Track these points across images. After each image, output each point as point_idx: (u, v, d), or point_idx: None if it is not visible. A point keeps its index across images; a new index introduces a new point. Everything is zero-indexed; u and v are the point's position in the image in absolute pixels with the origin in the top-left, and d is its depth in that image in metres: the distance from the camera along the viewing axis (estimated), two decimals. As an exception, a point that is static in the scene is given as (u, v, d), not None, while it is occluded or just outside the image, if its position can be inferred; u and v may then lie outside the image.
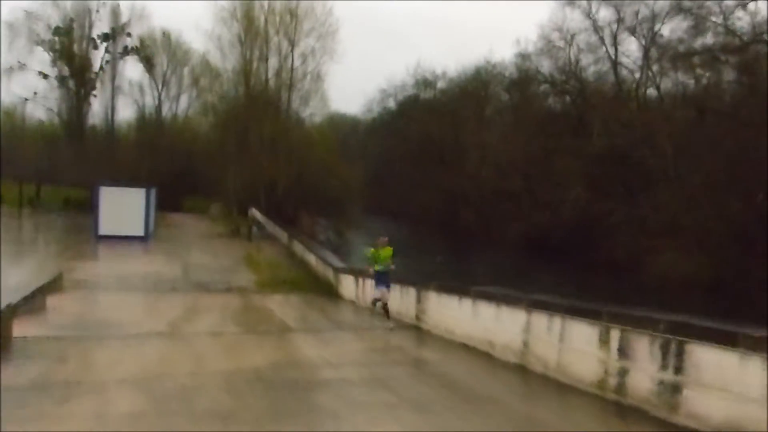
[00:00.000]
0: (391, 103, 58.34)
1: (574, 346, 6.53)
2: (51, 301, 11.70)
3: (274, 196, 40.34)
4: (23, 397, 5.29)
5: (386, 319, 10.98)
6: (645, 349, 5.53)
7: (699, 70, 36.39)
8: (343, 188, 42.73)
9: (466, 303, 9.07)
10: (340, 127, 64.35)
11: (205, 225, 34.79)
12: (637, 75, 41.79)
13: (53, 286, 13.34)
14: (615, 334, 5.92)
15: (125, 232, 23.47)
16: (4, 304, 7.88)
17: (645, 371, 5.51)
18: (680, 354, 5.13)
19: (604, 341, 6.07)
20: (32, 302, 10.72)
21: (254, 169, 38.91)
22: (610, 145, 36.76)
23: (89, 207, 27.21)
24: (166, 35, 53.37)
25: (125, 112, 62.17)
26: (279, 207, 39.34)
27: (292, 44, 39.87)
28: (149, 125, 53.90)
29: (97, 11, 50.50)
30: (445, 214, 46.71)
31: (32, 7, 48.52)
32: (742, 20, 31.60)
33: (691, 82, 37.92)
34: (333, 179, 41.64)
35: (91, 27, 51.07)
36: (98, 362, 7.00)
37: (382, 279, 11.11)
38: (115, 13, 51.25)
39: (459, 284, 9.70)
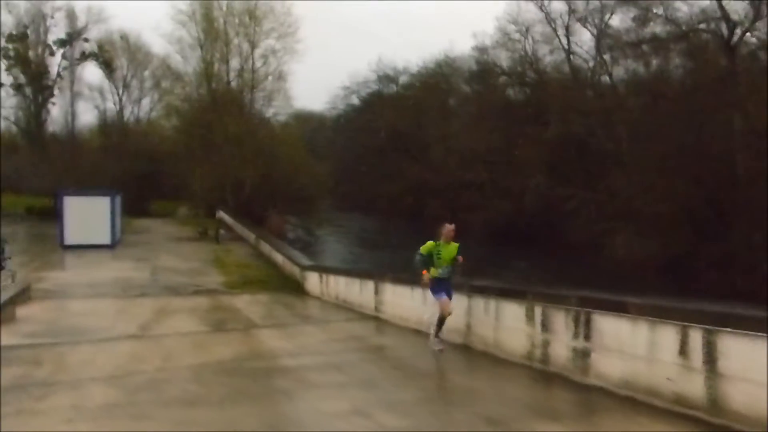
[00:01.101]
0: (355, 100, 58.87)
1: (507, 324, 7.31)
2: (21, 311, 12.01)
3: (242, 196, 40.57)
4: (2, 396, 5.79)
5: (435, 336, 7.71)
6: (561, 322, 6.32)
7: (648, 58, 37.80)
8: (311, 186, 43.16)
9: (417, 291, 9.79)
10: (307, 124, 64.51)
11: (172, 228, 34.85)
12: (591, 64, 43.10)
13: (22, 296, 13.62)
14: (538, 311, 6.71)
15: (91, 240, 23.56)
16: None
17: (562, 341, 6.31)
18: (587, 324, 5.93)
19: (530, 318, 6.85)
20: (2, 312, 11.07)
21: (220, 170, 39.10)
22: (567, 132, 37.97)
23: (53, 215, 27.12)
24: (124, 38, 52.83)
25: (86, 117, 61.15)
26: (247, 207, 39.56)
27: (253, 45, 40.11)
28: (112, 130, 53.38)
29: (52, 17, 49.77)
30: (413, 206, 47.52)
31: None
32: (680, 11, 33.03)
33: (642, 69, 39.30)
34: (300, 177, 42.00)
35: (46, 32, 50.33)
36: (72, 364, 7.50)
37: (443, 286, 7.74)
38: (71, 17, 50.57)
39: (411, 275, 10.40)
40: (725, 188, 28.71)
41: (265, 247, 24.58)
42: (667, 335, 4.97)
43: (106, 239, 24.17)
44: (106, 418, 5.03)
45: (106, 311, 12.84)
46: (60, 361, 7.68)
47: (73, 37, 51.06)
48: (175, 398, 5.67)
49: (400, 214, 49.46)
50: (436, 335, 7.63)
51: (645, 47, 36.71)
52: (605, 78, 42.33)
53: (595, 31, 41.42)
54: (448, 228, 7.98)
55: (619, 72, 41.46)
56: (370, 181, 54.16)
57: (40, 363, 7.42)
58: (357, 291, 12.67)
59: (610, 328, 5.66)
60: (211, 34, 39.34)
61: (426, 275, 7.69)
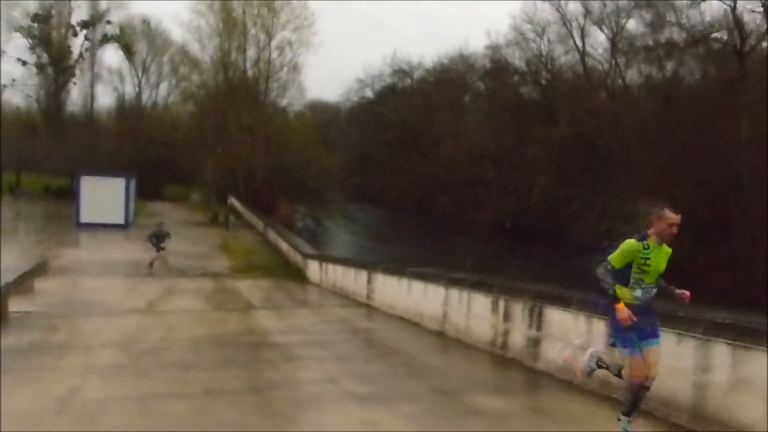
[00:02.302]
0: (369, 93, 59.47)
1: (476, 313, 8.04)
2: (38, 284, 12.96)
3: (253, 184, 41.43)
4: (25, 355, 6.66)
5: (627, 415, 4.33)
6: (519, 313, 7.05)
7: (662, 62, 38.06)
8: (322, 176, 43.90)
9: (404, 282, 10.55)
10: (322, 115, 65.27)
11: (184, 213, 35.87)
12: (606, 66, 43.41)
13: (39, 270, 14.57)
14: (501, 303, 7.44)
15: (106, 220, 24.55)
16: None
17: (519, 330, 7.04)
18: (539, 315, 6.66)
19: (495, 309, 7.59)
20: (21, 285, 11.98)
21: (233, 158, 39.98)
22: (576, 133, 38.42)
23: (69, 195, 28.17)
24: (145, 23, 53.78)
25: (105, 100, 62.47)
26: (257, 195, 40.45)
27: (270, 36, 40.85)
28: (129, 113, 54.40)
29: (76, -1, 50.77)
30: (421, 200, 48.23)
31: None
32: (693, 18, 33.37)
33: (656, 73, 39.53)
34: (311, 168, 42.76)
35: (70, 14, 51.38)
36: (85, 331, 8.37)
37: (646, 319, 4.30)
38: (95, -1, 51.54)
39: (399, 266, 11.17)
40: (730, 192, 29.09)
41: (272, 235, 25.45)
42: (600, 327, 5.69)
43: (120, 219, 25.15)
44: (113, 375, 5.85)
45: (116, 288, 13.75)
46: (74, 328, 8.55)
47: (95, 19, 52.03)
48: (173, 362, 6.49)
49: (409, 207, 50.22)
50: (629, 413, 4.27)
51: (659, 51, 37.03)
52: (618, 81, 42.74)
53: (610, 34, 41.74)
54: (670, 218, 4.40)
55: (632, 75, 41.86)
56: (380, 174, 54.89)
57: (56, 329, 8.29)
58: (352, 279, 13.45)
59: (557, 319, 6.39)
60: (228, 23, 40.14)
61: (624, 310, 4.15)
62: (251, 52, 42.17)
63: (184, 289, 14.02)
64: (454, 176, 45.89)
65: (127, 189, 25.73)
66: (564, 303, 6.30)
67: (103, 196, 24.58)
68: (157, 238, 17.22)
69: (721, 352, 4.54)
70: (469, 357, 7.35)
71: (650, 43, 37.86)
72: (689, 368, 4.74)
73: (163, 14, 67.14)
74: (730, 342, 4.48)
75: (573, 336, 6.04)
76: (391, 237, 42.00)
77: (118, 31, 52.85)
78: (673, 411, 4.83)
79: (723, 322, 4.64)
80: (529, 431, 4.58)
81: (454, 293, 8.69)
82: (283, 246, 22.63)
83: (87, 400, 4.91)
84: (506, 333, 7.31)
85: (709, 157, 30.03)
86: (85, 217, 24.72)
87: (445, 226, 43.74)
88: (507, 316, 7.32)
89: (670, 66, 38.18)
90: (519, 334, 7.04)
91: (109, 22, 52.21)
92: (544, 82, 45.81)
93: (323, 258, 16.53)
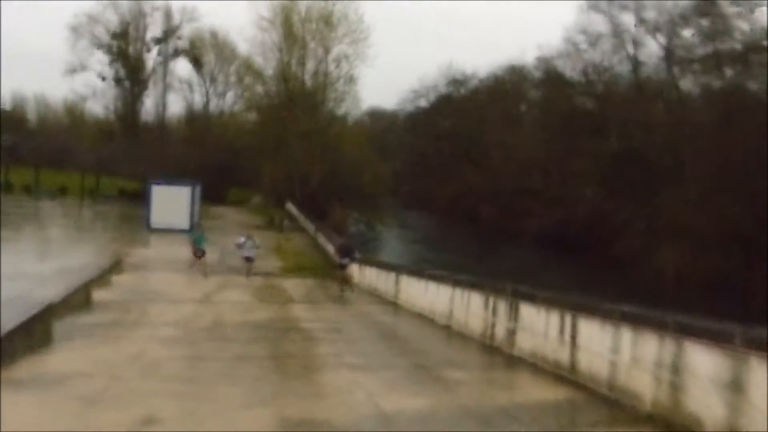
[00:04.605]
0: (423, 102, 61.01)
1: (473, 310, 9.37)
2: (115, 278, 15.12)
3: (309, 189, 43.64)
4: (107, 327, 8.51)
5: None
6: (503, 309, 8.34)
7: (722, 70, 37.46)
8: (375, 183, 45.60)
9: (423, 283, 11.96)
10: (380, 122, 67.32)
11: (244, 216, 38.34)
12: (661, 76, 43.04)
13: (115, 267, 16.84)
14: (491, 301, 8.75)
15: (172, 224, 27.03)
16: (87, 279, 11.27)
17: (502, 323, 8.34)
18: (516, 310, 7.94)
19: (486, 306, 8.90)
20: (102, 278, 14.14)
21: (291, 164, 42.33)
22: (627, 144, 38.51)
23: (141, 197, 30.97)
24: (213, 35, 57.26)
25: (175, 108, 66.71)
26: (313, 200, 42.53)
27: (327, 50, 43.07)
28: (197, 121, 58.03)
29: (151, 15, 54.94)
30: (470, 208, 49.21)
31: (93, 10, 53.12)
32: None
33: (716, 82, 38.79)
34: (364, 174, 44.57)
35: (145, 29, 55.61)
36: (151, 313, 10.24)
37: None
38: (168, 15, 55.51)
39: (419, 269, 12.58)
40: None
41: (322, 239, 27.28)
42: (552, 318, 6.95)
43: (185, 224, 27.58)
44: (171, 343, 7.59)
45: (178, 282, 15.78)
46: (142, 311, 10.44)
47: (168, 34, 56.04)
48: (217, 337, 8.20)
49: (458, 215, 51.31)
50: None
51: (717, 60, 36.60)
52: (674, 92, 42.34)
53: (664, 43, 41.39)
54: None
55: (688, 85, 41.33)
56: (432, 181, 56.19)
57: (129, 311, 10.20)
58: (383, 280, 14.97)
59: (529, 313, 7.65)
60: (289, 38, 42.65)
61: None
62: (310, 65, 44.66)
63: (236, 284, 15.89)
64: (502, 186, 46.64)
65: (192, 196, 28.18)
66: (533, 298, 7.58)
67: (170, 203, 27.08)
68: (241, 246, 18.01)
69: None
70: (460, 345, 8.71)
71: (707, 51, 37.43)
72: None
73: (230, 27, 70.88)
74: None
75: (537, 328, 7.33)
76: (439, 244, 43.28)
77: (188, 45, 56.68)
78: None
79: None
80: (474, 395, 5.92)
81: (458, 293, 10.04)
82: (330, 249, 24.36)
83: (151, 356, 6.63)
84: (493, 326, 8.62)
85: (763, 172, 29.70)
86: (155, 220, 27.29)
87: (492, 235, 44.56)
88: (495, 312, 8.62)
89: (730, 75, 37.56)
90: (502, 326, 8.33)
91: (179, 37, 56.08)
92: (596, 93, 45.90)
93: (362, 261, 18.12)
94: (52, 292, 8.74)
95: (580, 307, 6.56)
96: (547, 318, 7.16)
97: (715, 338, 4.75)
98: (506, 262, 35.00)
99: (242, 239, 18.37)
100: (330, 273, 20.84)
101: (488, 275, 12.05)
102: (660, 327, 5.33)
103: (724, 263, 28.97)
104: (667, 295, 26.31)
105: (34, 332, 6.43)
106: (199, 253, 17.62)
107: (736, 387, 4.49)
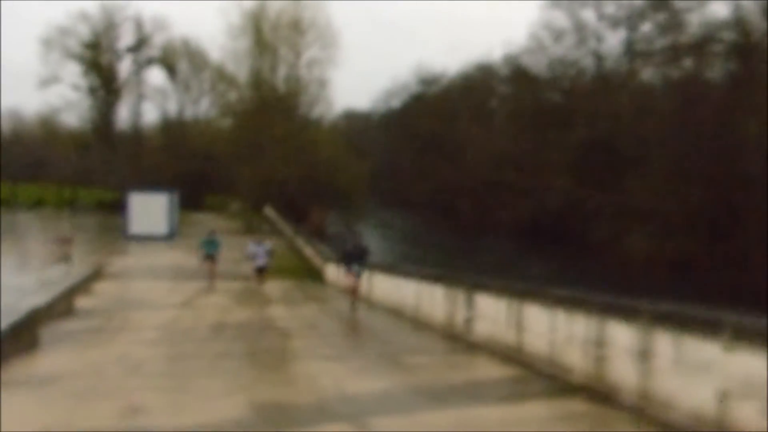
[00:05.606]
0: (396, 103, 61.89)
1: (435, 302, 10.07)
2: (95, 286, 15.57)
3: (286, 193, 44.07)
4: (89, 333, 9.04)
5: None
6: (461, 300, 9.04)
7: (680, 61, 38.83)
8: (351, 183, 46.23)
9: (392, 279, 12.62)
10: (355, 123, 67.91)
11: (222, 222, 38.65)
12: (623, 68, 44.39)
13: (96, 275, 17.26)
14: (450, 293, 9.45)
15: (151, 231, 27.45)
16: (69, 288, 11.74)
17: (460, 313, 9.04)
18: (472, 300, 8.64)
19: (446, 297, 9.60)
20: (84, 286, 14.59)
21: (267, 169, 42.72)
22: (593, 135, 39.67)
23: (119, 208, 31.28)
24: (185, 43, 57.33)
25: (151, 116, 66.56)
26: (291, 203, 43.02)
27: (298, 55, 43.58)
28: (173, 128, 58.04)
29: (122, 25, 54.88)
30: (447, 204, 50.08)
31: (65, 22, 52.94)
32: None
33: (674, 72, 40.16)
34: (341, 175, 45.15)
35: (116, 39, 55.52)
36: (133, 319, 10.77)
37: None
38: (139, 24, 55.48)
39: (388, 265, 13.25)
40: (739, 190, 29.93)
41: (299, 241, 27.85)
42: (501, 305, 7.66)
43: (164, 230, 28.02)
44: (154, 345, 8.16)
45: (159, 289, 16.26)
46: (125, 318, 10.96)
47: (140, 43, 56.02)
48: (197, 338, 8.79)
49: (435, 211, 52.18)
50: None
51: (674, 52, 37.94)
52: (635, 83, 43.64)
53: (625, 37, 42.74)
54: None
55: (650, 76, 42.72)
56: (409, 179, 57.00)
57: (112, 318, 10.73)
58: (365, 280, 15.58)
59: (484, 303, 8.36)
60: (260, 44, 43.06)
61: None
62: (282, 70, 45.15)
63: (216, 289, 16.41)
64: (476, 181, 47.58)
65: (170, 203, 28.59)
66: (487, 288, 8.29)
67: (149, 211, 27.51)
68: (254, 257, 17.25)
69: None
70: (425, 335, 9.40)
71: (666, 43, 38.83)
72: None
73: (202, 35, 70.91)
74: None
75: (491, 314, 8.04)
76: (419, 240, 44.10)
77: (161, 53, 56.71)
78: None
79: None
80: (430, 376, 6.60)
81: (424, 287, 10.73)
82: (308, 250, 24.98)
83: (135, 357, 7.20)
84: (452, 315, 9.32)
85: (722, 156, 30.95)
86: (134, 229, 27.67)
87: (468, 228, 45.48)
88: (454, 303, 9.32)
89: (688, 66, 38.91)
90: (460, 315, 9.04)
91: (150, 46, 56.07)
92: (562, 86, 47.08)
93: (337, 261, 18.72)
94: (36, 301, 9.23)
95: (524, 294, 7.29)
96: (497, 305, 7.88)
97: (630, 314, 5.48)
98: (486, 255, 35.95)
99: (254, 247, 16.88)
100: (307, 274, 21.50)
101: (470, 270, 12.70)
102: (587, 307, 6.06)
103: (688, 245, 30.20)
104: (636, 278, 27.38)
105: (22, 337, 6.97)
106: (209, 259, 17.35)
107: (644, 356, 5.22)
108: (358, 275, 12.35)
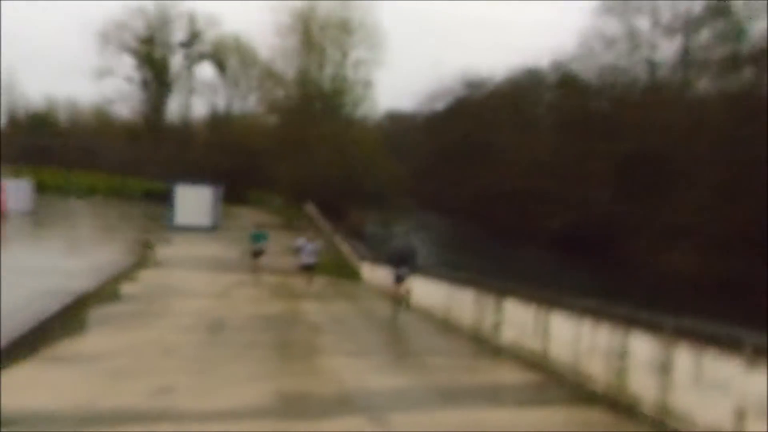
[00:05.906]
0: (441, 105, 61.82)
1: (465, 305, 10.13)
2: (141, 274, 16.17)
3: (327, 191, 44.59)
4: (131, 317, 9.46)
5: None
6: (490, 305, 9.09)
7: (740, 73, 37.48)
8: (391, 184, 46.41)
9: (424, 280, 12.73)
10: (399, 124, 68.15)
11: (264, 217, 39.39)
12: (677, 77, 43.20)
13: (141, 263, 17.93)
14: (479, 297, 9.50)
15: (196, 222, 28.27)
16: (116, 274, 12.30)
17: (489, 318, 9.09)
18: (501, 306, 8.69)
19: (475, 302, 9.66)
20: (129, 274, 15.20)
21: (310, 166, 43.34)
22: (641, 147, 38.75)
23: (166, 198, 32.26)
24: (236, 40, 58.66)
25: (200, 110, 68.37)
26: (331, 201, 43.53)
27: (345, 55, 44.07)
28: (220, 123, 59.52)
29: (176, 20, 56.67)
30: (484, 209, 49.76)
31: (121, 16, 55.03)
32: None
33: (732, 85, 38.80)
34: (381, 175, 45.40)
35: (170, 34, 57.31)
36: (173, 305, 11.19)
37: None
38: (192, 20, 57.16)
39: (426, 269, 13.37)
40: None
41: (337, 238, 28.20)
42: (529, 312, 7.68)
43: (207, 222, 28.83)
44: (188, 331, 8.52)
45: (200, 278, 16.72)
46: (165, 304, 11.39)
47: (193, 39, 57.67)
48: (230, 327, 9.11)
49: (473, 216, 51.92)
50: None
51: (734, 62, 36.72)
52: (691, 94, 42.42)
53: (681, 45, 41.58)
54: None
55: (707, 87, 41.39)
56: (449, 183, 56.87)
57: (153, 303, 11.17)
58: (391, 279, 15.74)
59: (513, 309, 8.39)
60: (308, 44, 43.75)
61: None
62: (328, 69, 45.73)
63: (253, 281, 16.82)
64: (517, 188, 47.12)
65: (214, 196, 29.41)
66: (515, 294, 8.32)
67: (194, 203, 28.37)
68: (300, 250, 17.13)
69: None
70: (449, 336, 9.49)
71: (725, 52, 37.53)
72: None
73: (252, 32, 72.39)
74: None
75: (519, 320, 8.08)
76: (457, 245, 43.97)
77: (211, 49, 58.26)
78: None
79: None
80: (451, 377, 6.70)
81: (455, 290, 10.81)
82: (344, 248, 25.28)
83: (170, 341, 7.55)
84: (481, 320, 9.38)
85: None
86: (179, 219, 28.56)
87: (508, 236, 45.07)
88: (483, 307, 9.37)
89: (747, 77, 37.56)
90: (488, 320, 9.09)
91: (202, 42, 57.68)
92: (612, 95, 46.15)
93: (372, 260, 18.96)
94: (85, 285, 9.74)
95: (552, 302, 7.30)
96: (525, 311, 7.91)
97: (653, 328, 5.47)
98: (523, 264, 35.55)
99: (302, 241, 16.69)
100: (343, 271, 21.77)
101: (508, 279, 12.55)
102: (611, 318, 6.05)
103: (739, 264, 29.19)
104: (676, 295, 26.65)
105: (72, 317, 7.40)
106: (257, 252, 17.75)
107: (665, 369, 5.21)
108: (404, 279, 11.55)
